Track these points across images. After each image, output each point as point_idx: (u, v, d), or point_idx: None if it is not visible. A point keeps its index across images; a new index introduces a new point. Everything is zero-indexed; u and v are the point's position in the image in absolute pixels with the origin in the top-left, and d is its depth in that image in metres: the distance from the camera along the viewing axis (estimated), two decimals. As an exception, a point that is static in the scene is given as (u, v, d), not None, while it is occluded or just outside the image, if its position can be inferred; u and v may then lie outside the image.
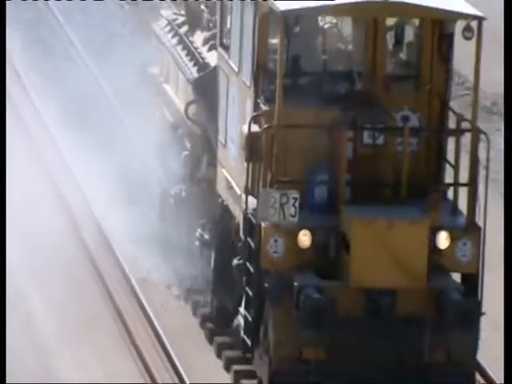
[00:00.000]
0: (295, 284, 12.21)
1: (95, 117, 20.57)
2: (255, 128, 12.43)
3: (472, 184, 12.56)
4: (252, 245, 12.69)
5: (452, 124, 12.96)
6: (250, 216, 12.70)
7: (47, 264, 17.22)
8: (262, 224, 12.40)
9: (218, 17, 14.68)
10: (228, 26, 14.13)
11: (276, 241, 12.41)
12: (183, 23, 16.22)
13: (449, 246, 12.36)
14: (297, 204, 12.19)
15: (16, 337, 15.27)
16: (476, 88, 12.49)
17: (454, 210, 12.82)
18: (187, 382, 13.50)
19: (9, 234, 17.74)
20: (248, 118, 12.63)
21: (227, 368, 13.93)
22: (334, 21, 13.38)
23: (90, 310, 16.06)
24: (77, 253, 17.80)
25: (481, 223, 12.66)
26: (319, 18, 13.23)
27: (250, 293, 12.73)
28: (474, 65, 12.25)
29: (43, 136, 22.64)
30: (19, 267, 17.40)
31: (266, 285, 12.52)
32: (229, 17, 14.15)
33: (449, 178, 13.06)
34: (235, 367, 13.68)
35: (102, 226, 18.05)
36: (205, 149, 14.93)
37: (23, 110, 25.57)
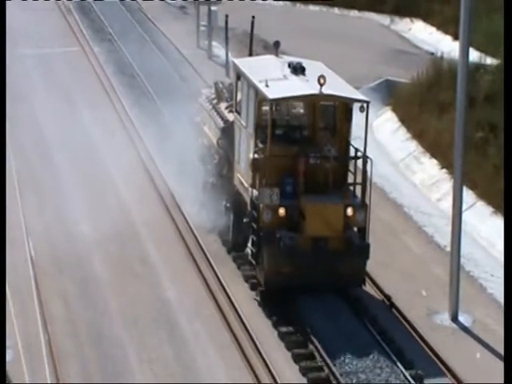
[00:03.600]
0: (277, 235, 18.69)
1: (172, 142, 25.65)
2: (256, 156, 19.26)
3: (363, 183, 19.33)
4: (255, 214, 19.12)
5: (352, 153, 19.85)
6: (254, 199, 19.19)
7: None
8: (260, 204, 18.94)
9: (233, 95, 21.49)
10: (238, 99, 20.80)
11: (267, 213, 18.82)
12: (214, 98, 23.24)
13: (352, 214, 19.04)
14: (277, 195, 18.81)
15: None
16: (366, 134, 19.18)
17: (354, 195, 19.52)
18: (222, 278, 20.56)
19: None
20: (252, 151, 19.38)
21: (243, 275, 20.69)
22: (295, 103, 20.49)
23: (166, 241, 23.01)
24: (157, 205, 24.87)
25: (367, 202, 19.45)
26: (288, 102, 20.10)
27: (254, 238, 19.25)
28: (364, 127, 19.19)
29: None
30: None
31: (262, 234, 18.92)
32: (239, 94, 20.81)
33: (350, 179, 19.81)
34: (247, 273, 20.61)
35: (173, 194, 24.81)
36: (226, 161, 21.73)
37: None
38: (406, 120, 30.17)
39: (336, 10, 43.13)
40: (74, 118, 30.58)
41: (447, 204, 22.09)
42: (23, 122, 30.33)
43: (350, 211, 18.95)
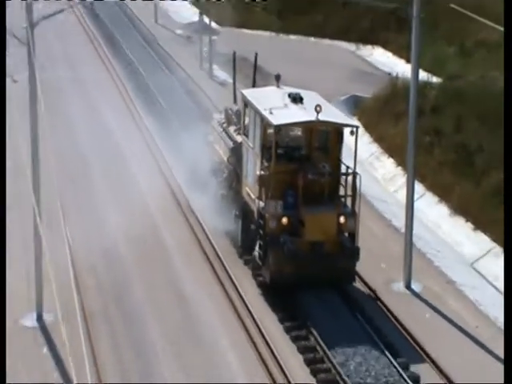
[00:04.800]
0: (281, 240, 18.14)
1: (186, 160, 25.02)
2: (262, 173, 18.70)
3: (353, 195, 18.67)
4: (261, 222, 18.56)
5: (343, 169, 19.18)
6: (261, 210, 18.62)
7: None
8: (266, 214, 18.39)
9: (240, 120, 20.85)
10: (246, 122, 20.15)
11: (272, 221, 18.18)
12: (224, 122, 22.52)
13: (344, 222, 18.44)
14: (281, 206, 18.25)
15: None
16: (355, 154, 18.55)
17: (345, 205, 18.91)
18: (232, 274, 19.92)
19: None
20: (258, 168, 18.89)
21: (253, 273, 19.66)
22: (295, 128, 19.69)
23: (180, 234, 22.47)
24: (174, 209, 24.00)
25: (357, 211, 18.67)
26: (289, 127, 19.43)
27: (261, 242, 18.60)
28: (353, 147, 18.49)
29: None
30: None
31: (267, 239, 18.29)
32: (246, 119, 20.16)
33: (342, 192, 19.17)
34: (255, 272, 19.49)
35: (189, 201, 23.96)
36: (234, 176, 21.15)
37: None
38: (368, 127, 30.02)
39: (312, 39, 42.98)
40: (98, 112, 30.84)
41: (402, 194, 22.07)
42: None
43: (342, 219, 18.39)
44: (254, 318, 18.15)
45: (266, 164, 18.72)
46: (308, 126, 19.08)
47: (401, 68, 34.50)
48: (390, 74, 34.49)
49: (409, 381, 16.07)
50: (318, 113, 18.05)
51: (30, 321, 18.08)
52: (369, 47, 41.07)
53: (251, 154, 19.59)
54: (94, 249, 21.10)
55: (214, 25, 40.07)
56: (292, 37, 43.78)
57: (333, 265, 18.21)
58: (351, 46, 41.52)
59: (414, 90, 19.59)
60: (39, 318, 18.07)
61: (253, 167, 19.41)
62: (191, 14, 45.56)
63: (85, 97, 34.18)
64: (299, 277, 18.10)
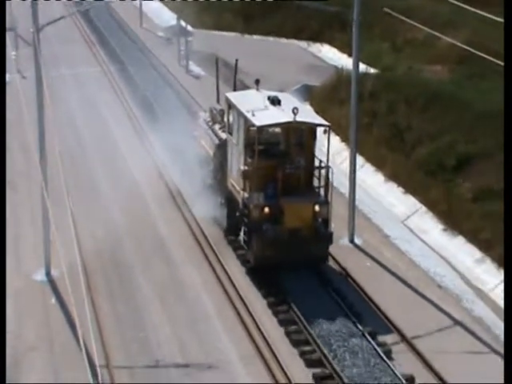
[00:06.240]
0: (263, 227, 17.19)
1: (176, 152, 23.29)
2: (246, 167, 17.64)
3: (326, 186, 17.74)
4: (245, 211, 17.52)
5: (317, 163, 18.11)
6: (245, 200, 17.58)
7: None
8: (250, 204, 17.37)
9: (225, 118, 19.56)
10: (231, 122, 18.96)
11: (255, 211, 17.22)
12: (209, 120, 21.17)
13: (319, 210, 17.46)
14: (262, 197, 17.33)
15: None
16: (328, 150, 17.64)
17: (319, 195, 17.86)
18: (220, 257, 18.68)
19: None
20: (242, 164, 17.76)
21: (236, 253, 18.77)
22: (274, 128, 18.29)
23: (171, 220, 21.07)
24: (165, 195, 22.53)
25: (330, 199, 17.67)
26: (270, 128, 18.13)
27: (245, 229, 17.63)
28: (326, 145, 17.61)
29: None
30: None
31: (251, 226, 17.35)
32: (231, 117, 18.92)
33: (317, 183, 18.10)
34: (239, 252, 18.63)
35: (180, 189, 22.42)
36: (220, 169, 19.82)
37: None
38: (319, 111, 29.39)
39: (271, 38, 42.66)
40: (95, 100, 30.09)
41: (346, 165, 22.04)
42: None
43: (317, 208, 17.44)
44: (230, 279, 17.82)
45: (249, 160, 17.64)
46: (286, 126, 17.90)
47: (344, 61, 34.31)
48: (336, 66, 34.32)
49: (353, 318, 16.19)
50: (295, 114, 17.13)
51: (40, 275, 17.91)
52: (318, 44, 40.83)
53: (235, 150, 18.47)
54: (93, 218, 20.63)
55: (189, 27, 39.53)
56: (255, 36, 43.42)
57: (309, 248, 17.33)
58: (303, 44, 41.24)
59: (354, 80, 19.45)
60: (48, 274, 17.91)
61: (237, 162, 18.30)
62: (170, 17, 44.84)
63: (82, 88, 33.55)
64: (279, 259, 17.22)
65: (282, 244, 17.14)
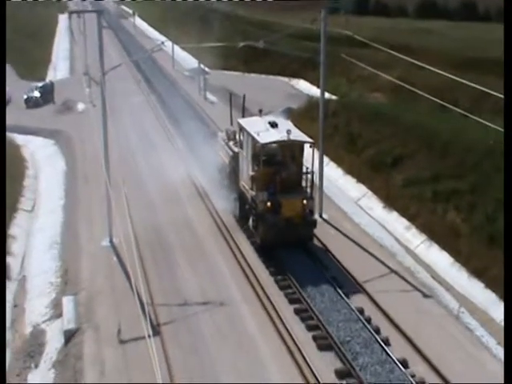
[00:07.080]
0: (266, 216, 16.42)
1: (201, 161, 22.40)
2: (253, 173, 16.99)
3: (311, 186, 16.86)
4: (253, 205, 16.77)
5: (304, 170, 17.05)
6: (253, 197, 16.81)
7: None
8: (257, 200, 16.60)
9: (237, 137, 18.56)
10: (242, 139, 18.02)
11: (261, 205, 16.51)
12: (225, 138, 20.20)
13: (306, 203, 16.67)
14: (266, 195, 16.55)
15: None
16: (312, 160, 16.74)
17: (306, 192, 16.88)
18: (232, 244, 17.43)
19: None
20: (251, 171, 17.12)
21: (248, 238, 17.62)
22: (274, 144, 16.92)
23: (191, 208, 20.07)
24: (189, 188, 21.61)
25: (314, 196, 17.00)
26: (270, 144, 16.83)
27: (254, 218, 16.87)
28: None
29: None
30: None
31: (258, 216, 16.56)
32: (242, 136, 17.98)
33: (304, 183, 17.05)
34: (248, 234, 17.58)
35: (204, 187, 21.42)
36: (234, 173, 18.83)
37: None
38: (297, 126, 29.87)
39: (263, 76, 42.75)
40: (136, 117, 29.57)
41: (316, 164, 21.98)
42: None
43: (305, 201, 16.69)
44: (240, 250, 17.21)
45: (255, 167, 17.05)
46: (282, 143, 17.00)
47: (314, 91, 34.19)
48: (309, 95, 34.22)
49: (323, 269, 16.04)
50: (288, 134, 16.64)
51: (105, 242, 17.78)
52: (296, 80, 40.76)
53: (245, 160, 17.77)
54: (140, 206, 19.90)
55: (206, 68, 39.47)
56: (252, 74, 43.45)
57: (300, 231, 16.69)
58: (286, 79, 41.19)
59: (322, 104, 19.23)
60: (111, 241, 17.77)
61: (246, 169, 17.65)
62: (193, 62, 44.71)
63: (132, 111, 33.31)
64: (278, 240, 16.61)
65: (281, 229, 16.57)
